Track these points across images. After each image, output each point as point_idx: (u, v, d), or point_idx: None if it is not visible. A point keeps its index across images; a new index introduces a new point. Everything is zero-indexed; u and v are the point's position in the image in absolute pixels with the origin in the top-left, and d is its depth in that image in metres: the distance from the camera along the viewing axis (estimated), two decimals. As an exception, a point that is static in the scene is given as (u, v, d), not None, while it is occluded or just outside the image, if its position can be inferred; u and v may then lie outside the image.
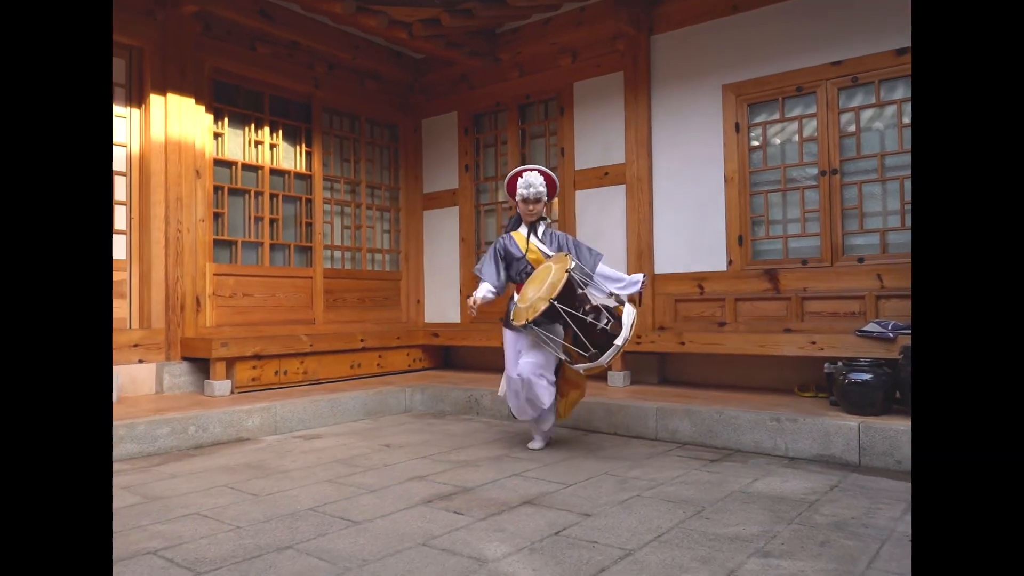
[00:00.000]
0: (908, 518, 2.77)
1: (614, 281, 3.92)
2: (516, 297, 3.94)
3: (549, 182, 4.10)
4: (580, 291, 3.66)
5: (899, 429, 3.65)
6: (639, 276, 3.97)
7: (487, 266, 4.08)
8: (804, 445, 3.92)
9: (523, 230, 4.11)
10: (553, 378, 3.94)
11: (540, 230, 4.09)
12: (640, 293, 3.97)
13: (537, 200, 4.00)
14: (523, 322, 3.61)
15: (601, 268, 3.96)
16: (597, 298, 3.74)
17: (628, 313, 3.62)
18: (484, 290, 3.97)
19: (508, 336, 4.00)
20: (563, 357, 3.78)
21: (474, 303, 3.88)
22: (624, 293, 3.88)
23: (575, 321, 3.55)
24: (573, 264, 3.66)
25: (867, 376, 4.02)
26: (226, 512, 2.89)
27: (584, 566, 2.25)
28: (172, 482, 3.40)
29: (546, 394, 3.86)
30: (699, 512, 2.85)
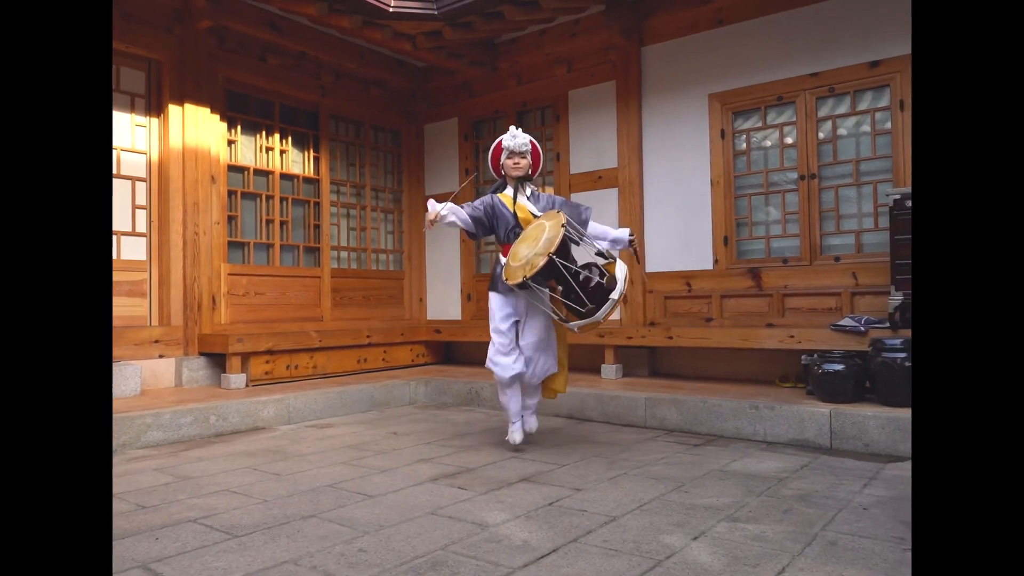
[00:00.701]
0: (868, 491, 3.09)
1: (603, 240, 3.92)
2: (505, 259, 3.84)
3: (534, 149, 4.05)
4: (572, 247, 3.69)
5: (867, 415, 3.97)
6: (624, 232, 3.96)
7: (468, 206, 3.97)
8: (781, 430, 4.23)
9: (509, 191, 4.01)
10: (555, 354, 4.00)
11: (527, 191, 4.01)
12: (635, 250, 3.97)
13: (523, 154, 3.94)
14: (520, 279, 3.49)
15: (591, 225, 3.95)
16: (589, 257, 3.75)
17: (621, 268, 3.58)
18: (449, 209, 3.84)
19: (496, 301, 3.92)
20: (556, 315, 3.76)
21: (436, 217, 3.77)
22: (615, 249, 3.89)
23: (572, 276, 3.52)
24: (566, 219, 3.59)
25: (839, 367, 4.34)
26: (253, 488, 3.20)
27: (573, 529, 2.57)
28: (200, 464, 3.72)
29: (543, 369, 3.96)
30: (679, 487, 3.17)
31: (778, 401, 4.40)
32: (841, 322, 4.77)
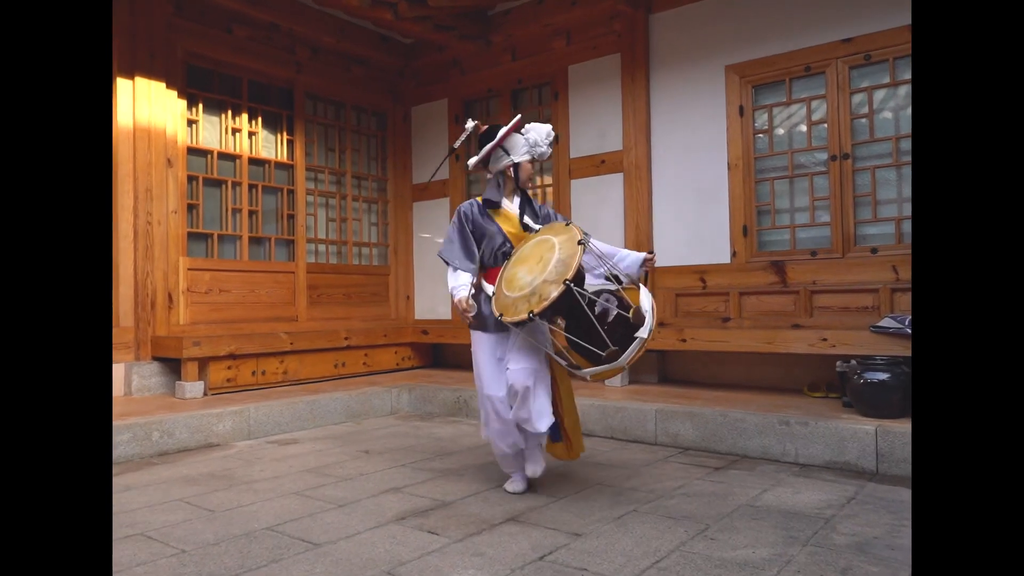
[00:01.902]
0: (937, 537, 2.46)
1: (615, 259, 3.08)
2: (489, 286, 3.03)
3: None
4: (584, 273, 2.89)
5: (920, 434, 3.34)
6: (641, 254, 3.11)
7: (456, 247, 3.08)
8: (816, 451, 3.61)
9: (501, 199, 3.15)
10: (550, 392, 3.04)
11: (529, 200, 3.25)
12: (646, 274, 3.11)
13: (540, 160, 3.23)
14: (524, 315, 2.65)
15: (597, 243, 3.06)
16: (596, 283, 2.98)
17: (647, 297, 2.81)
18: (467, 282, 3.02)
19: (482, 342, 3.05)
20: (562, 362, 2.94)
21: (469, 305, 2.98)
22: (633, 272, 3.06)
23: (591, 313, 2.72)
24: (583, 234, 2.79)
25: (884, 376, 3.72)
26: (174, 532, 2.58)
27: (570, 601, 1.95)
28: (124, 496, 3.09)
29: (546, 411, 2.95)
30: (703, 531, 2.55)
31: (811, 415, 3.77)
32: (882, 323, 4.13)
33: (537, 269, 2.76)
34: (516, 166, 3.12)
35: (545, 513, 2.79)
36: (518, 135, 3.12)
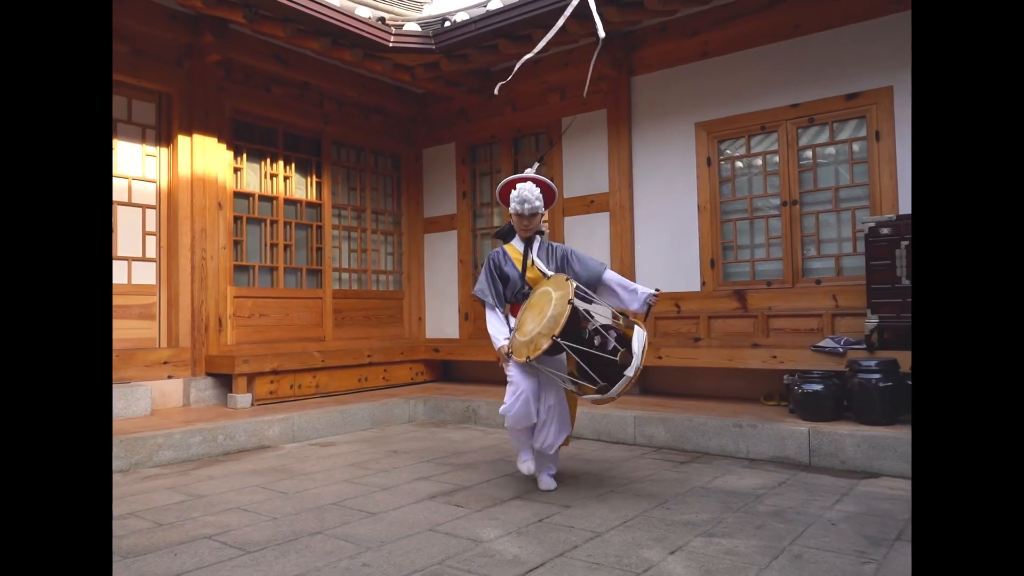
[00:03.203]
0: (838, 507, 3.30)
1: (622, 291, 3.60)
2: (512, 322, 3.64)
3: (546, 191, 3.71)
4: (584, 319, 3.40)
5: (843, 433, 4.18)
6: (647, 289, 3.57)
7: (486, 286, 3.69)
8: (763, 448, 4.44)
9: (518, 244, 3.73)
10: (565, 417, 3.65)
11: (536, 245, 3.70)
12: (649, 308, 3.57)
13: (533, 215, 3.60)
14: (523, 359, 3.30)
15: (608, 276, 3.65)
16: (600, 320, 3.44)
17: (639, 338, 3.26)
18: (498, 325, 3.63)
19: (514, 363, 3.53)
20: (570, 388, 3.48)
21: (508, 353, 3.48)
22: (633, 308, 3.59)
23: (580, 355, 3.31)
24: (573, 294, 3.26)
25: (818, 387, 4.56)
26: (262, 506, 3.41)
27: (560, 544, 2.79)
28: (210, 483, 3.92)
29: (558, 434, 3.59)
30: (661, 504, 3.38)
31: (761, 420, 4.61)
32: (821, 343, 4.99)
33: (537, 320, 3.31)
34: (512, 217, 3.70)
35: (543, 493, 3.62)
36: (514, 190, 3.64)
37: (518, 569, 2.52)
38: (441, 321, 7.72)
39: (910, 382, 4.28)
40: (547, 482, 3.69)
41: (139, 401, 5.18)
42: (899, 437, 3.99)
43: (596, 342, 3.34)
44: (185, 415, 5.27)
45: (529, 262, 3.66)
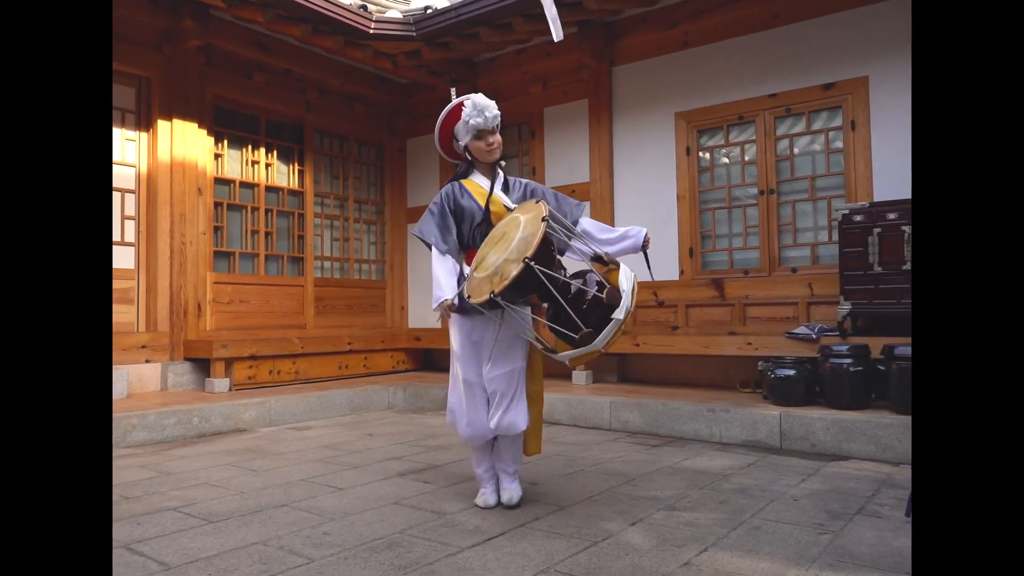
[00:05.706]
0: (803, 486, 3.33)
1: (603, 240, 2.92)
2: (468, 268, 2.87)
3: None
4: (557, 254, 2.71)
5: (814, 417, 4.22)
6: (640, 230, 2.94)
7: (432, 224, 2.92)
8: (735, 432, 4.48)
9: (478, 179, 2.99)
10: (525, 391, 2.92)
11: (500, 178, 3.03)
12: (647, 257, 2.98)
13: (496, 127, 2.93)
14: (486, 296, 2.51)
15: (585, 223, 2.97)
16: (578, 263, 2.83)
17: (627, 275, 2.63)
18: (444, 273, 2.86)
19: (459, 324, 2.88)
20: (539, 345, 2.77)
21: (449, 307, 2.82)
22: (620, 252, 2.89)
23: (559, 289, 2.56)
24: (548, 211, 2.59)
25: (791, 372, 4.59)
26: (231, 482, 3.42)
27: (523, 516, 2.81)
28: (182, 461, 3.93)
29: (523, 411, 2.89)
30: (629, 481, 3.41)
31: (734, 404, 4.65)
32: (795, 330, 5.03)
33: (502, 248, 2.61)
34: (467, 148, 2.98)
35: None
36: (465, 107, 2.93)
37: (478, 538, 2.53)
38: (423, 311, 7.73)
39: (881, 367, 4.33)
40: (510, 490, 2.96)
41: (115, 384, 5.17)
42: (869, 420, 4.03)
43: (573, 290, 2.63)
44: (162, 398, 5.27)
45: (493, 197, 2.96)
